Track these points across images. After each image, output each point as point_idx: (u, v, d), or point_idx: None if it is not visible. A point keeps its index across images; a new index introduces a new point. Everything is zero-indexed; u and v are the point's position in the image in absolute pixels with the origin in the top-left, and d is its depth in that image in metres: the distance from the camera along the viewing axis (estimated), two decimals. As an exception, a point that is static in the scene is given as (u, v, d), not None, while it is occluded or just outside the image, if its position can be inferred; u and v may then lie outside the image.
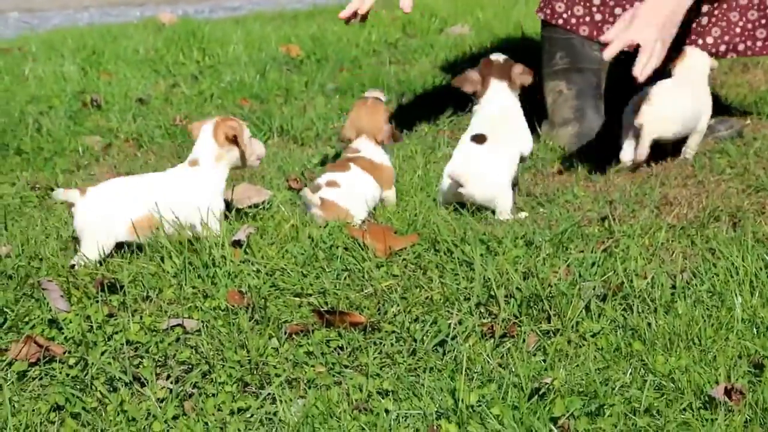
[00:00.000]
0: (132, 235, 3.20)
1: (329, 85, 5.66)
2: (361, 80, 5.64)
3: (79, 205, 3.18)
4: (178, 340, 2.75)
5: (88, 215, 3.17)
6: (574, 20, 4.33)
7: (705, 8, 4.24)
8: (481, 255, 3.12)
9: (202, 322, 2.81)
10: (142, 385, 2.62)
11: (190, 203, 3.28)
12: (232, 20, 8.27)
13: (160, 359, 2.68)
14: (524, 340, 2.73)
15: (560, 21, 4.35)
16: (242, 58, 6.33)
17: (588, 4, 4.31)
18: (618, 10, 4.26)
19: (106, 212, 3.18)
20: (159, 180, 3.36)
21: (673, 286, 2.92)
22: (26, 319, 2.83)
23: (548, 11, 4.39)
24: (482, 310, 2.88)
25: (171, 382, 2.63)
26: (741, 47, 4.23)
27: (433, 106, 5.08)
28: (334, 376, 2.64)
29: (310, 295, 2.99)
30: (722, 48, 4.26)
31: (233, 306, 2.88)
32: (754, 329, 2.67)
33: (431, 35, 6.99)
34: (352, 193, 3.57)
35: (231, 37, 6.97)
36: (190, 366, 2.67)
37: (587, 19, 4.32)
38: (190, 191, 3.32)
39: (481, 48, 6.36)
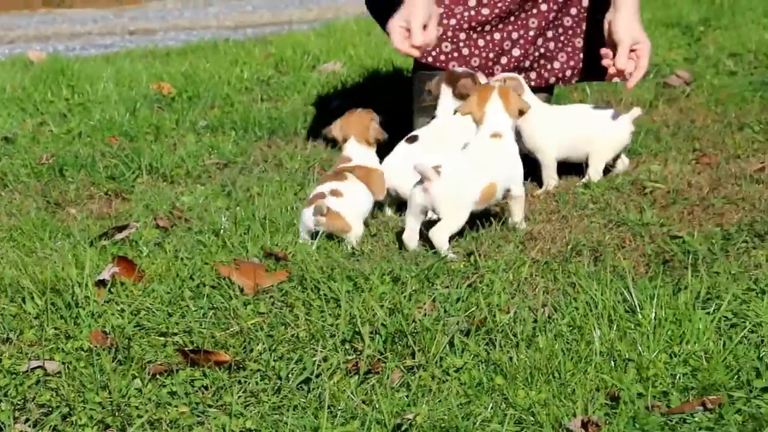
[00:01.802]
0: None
1: (200, 123, 5.63)
2: (232, 118, 5.63)
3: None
4: (38, 382, 2.71)
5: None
6: (443, 57, 4.39)
7: (550, 33, 4.35)
8: (348, 291, 3.14)
9: (64, 363, 2.78)
10: (0, 429, 2.58)
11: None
12: (103, 58, 8.19)
13: (19, 402, 2.65)
14: (388, 376, 2.75)
15: (430, 59, 4.41)
16: (112, 96, 6.27)
17: (455, 40, 4.38)
18: (480, 42, 4.34)
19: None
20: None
21: (535, 321, 2.96)
22: None
23: None
24: (347, 347, 2.90)
25: (30, 426, 2.59)
26: (585, 72, 4.37)
27: (305, 142, 5.10)
28: (197, 416, 2.63)
29: (176, 334, 2.98)
30: (567, 73, 4.39)
31: (96, 347, 2.86)
32: (612, 362, 2.72)
33: (304, 72, 7.01)
34: (352, 205, 3.73)
35: (101, 74, 6.91)
36: (50, 408, 2.63)
37: (455, 54, 4.38)
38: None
39: (353, 84, 6.41)
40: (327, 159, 4.80)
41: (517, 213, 3.79)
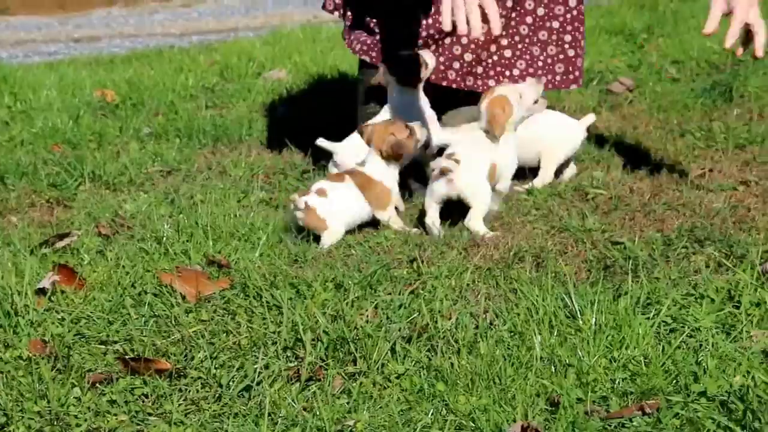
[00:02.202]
0: None
1: (144, 130, 5.61)
2: (176, 125, 5.60)
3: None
4: (-24, 392, 2.69)
5: None
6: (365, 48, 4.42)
7: (505, 42, 4.37)
8: (290, 299, 3.14)
9: (2, 372, 2.76)
10: (-63, 440, 2.56)
11: None
12: (47, 65, 8.14)
13: (-44, 412, 2.62)
14: (330, 383, 2.75)
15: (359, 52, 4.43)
16: (55, 104, 6.23)
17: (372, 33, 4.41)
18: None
19: None
20: None
21: (477, 327, 2.97)
22: None
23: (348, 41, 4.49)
24: (289, 354, 2.89)
25: (-34, 436, 2.57)
26: (543, 81, 4.40)
27: (250, 150, 5.09)
28: (137, 424, 2.62)
29: (116, 342, 2.96)
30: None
31: (35, 355, 2.84)
32: (552, 368, 2.73)
33: (249, 79, 6.99)
34: (334, 206, 3.81)
35: (44, 82, 6.86)
36: (-12, 418, 2.62)
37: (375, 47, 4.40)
38: None
39: (299, 92, 6.40)
40: (271, 167, 4.79)
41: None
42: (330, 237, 3.79)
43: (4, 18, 13.00)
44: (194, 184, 4.57)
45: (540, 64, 4.39)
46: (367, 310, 3.08)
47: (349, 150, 4.22)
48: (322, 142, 4.21)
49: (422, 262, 3.44)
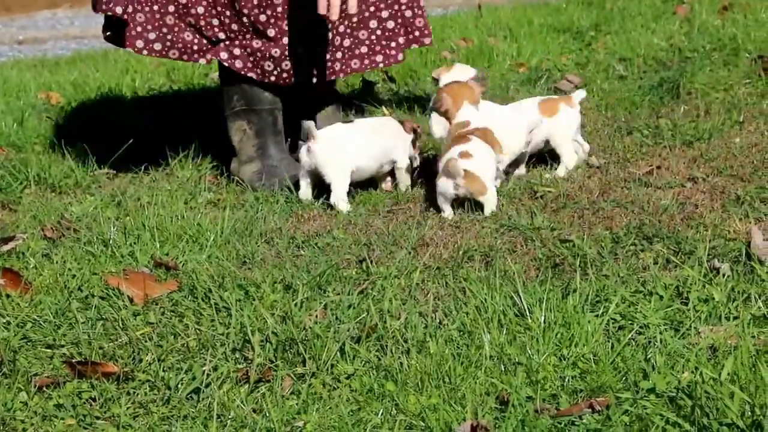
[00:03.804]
0: None
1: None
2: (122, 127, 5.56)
3: None
4: None
5: None
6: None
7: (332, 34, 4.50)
8: (239, 300, 3.12)
9: (-54, 378, 2.73)
10: None
11: None
12: (-10, 68, 8.07)
13: None
14: (279, 385, 2.73)
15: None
16: (-1, 106, 6.18)
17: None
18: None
19: None
20: None
21: (426, 326, 2.96)
22: None
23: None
24: (238, 356, 2.88)
25: None
26: (379, 58, 4.61)
27: (197, 151, 5.05)
28: (84, 428, 2.59)
29: (63, 346, 2.94)
30: (366, 62, 4.64)
31: (-20, 360, 2.81)
32: (502, 366, 2.73)
33: (196, 80, 6.96)
34: (483, 165, 3.94)
35: (-12, 84, 6.81)
36: (-70, 425, 2.58)
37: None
38: None
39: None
40: (218, 167, 4.77)
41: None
42: (492, 199, 3.92)
43: (-53, 20, 12.88)
44: (141, 186, 4.54)
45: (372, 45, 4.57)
46: (316, 311, 3.07)
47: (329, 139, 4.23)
48: (309, 124, 4.18)
49: (371, 262, 3.43)
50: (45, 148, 5.27)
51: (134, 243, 3.68)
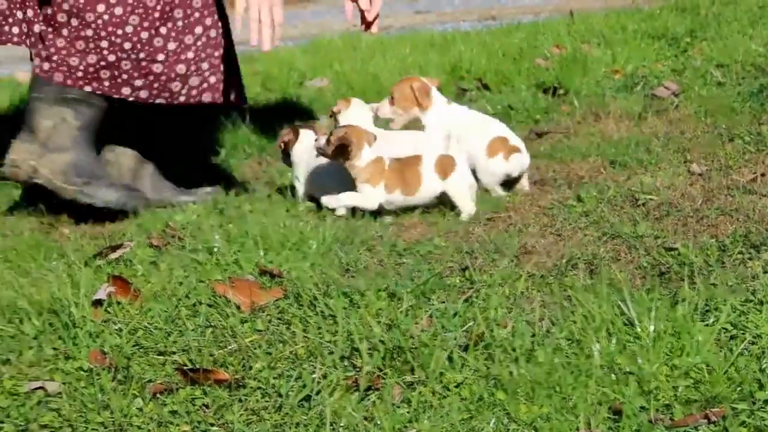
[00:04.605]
0: None
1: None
2: (221, 136, 5.63)
3: None
4: (39, 403, 2.70)
5: None
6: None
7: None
8: (344, 308, 3.14)
9: (64, 383, 2.77)
10: (3, 451, 2.58)
11: None
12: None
13: (21, 423, 2.63)
14: (389, 393, 2.74)
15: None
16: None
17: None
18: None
19: None
20: None
21: (533, 335, 2.96)
22: None
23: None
24: (346, 364, 2.89)
25: (33, 448, 2.59)
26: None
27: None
28: (199, 434, 2.63)
29: (174, 353, 2.97)
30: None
31: (95, 366, 2.85)
32: (612, 376, 2.72)
33: (291, 89, 7.02)
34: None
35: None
36: (53, 429, 2.62)
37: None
38: None
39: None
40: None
41: None
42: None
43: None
44: (242, 194, 4.58)
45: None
46: (421, 319, 3.08)
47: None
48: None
49: (474, 270, 3.43)
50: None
51: (238, 251, 3.71)
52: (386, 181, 4.19)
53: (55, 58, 4.28)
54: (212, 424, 2.66)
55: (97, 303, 3.20)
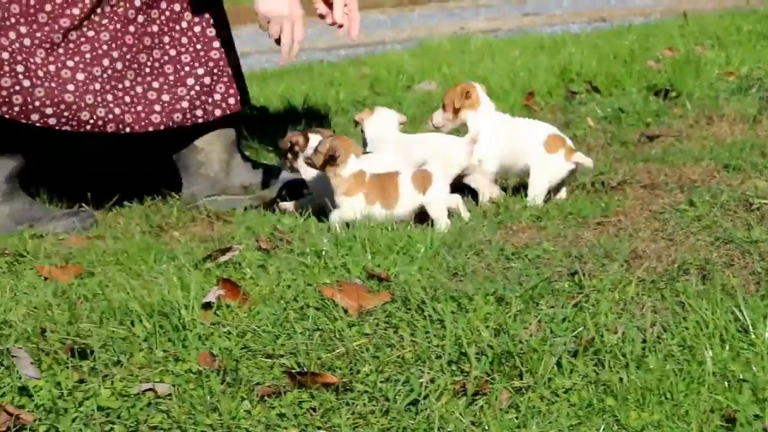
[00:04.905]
0: None
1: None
2: (330, 138, 5.64)
3: None
4: (149, 404, 2.73)
5: None
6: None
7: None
8: (452, 312, 3.13)
9: (174, 385, 2.80)
10: (115, 452, 2.61)
11: None
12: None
13: (131, 425, 2.66)
14: (497, 398, 2.72)
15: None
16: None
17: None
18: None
19: None
20: None
21: (644, 341, 2.92)
22: (-4, 387, 2.82)
23: None
24: (454, 368, 2.88)
25: (143, 448, 2.62)
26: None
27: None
28: (307, 438, 2.64)
29: (282, 356, 2.98)
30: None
31: (204, 369, 2.87)
32: (726, 383, 2.67)
33: (399, 92, 7.03)
34: None
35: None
36: (162, 431, 2.65)
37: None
38: None
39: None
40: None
41: None
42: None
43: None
44: (351, 198, 4.60)
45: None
46: (530, 324, 3.05)
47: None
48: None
49: (584, 275, 3.39)
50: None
51: (346, 254, 3.71)
52: (366, 194, 4.18)
53: None
54: (319, 428, 2.66)
55: (207, 306, 3.22)
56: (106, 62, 4.45)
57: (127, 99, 4.50)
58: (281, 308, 3.24)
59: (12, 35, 4.30)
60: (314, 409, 2.73)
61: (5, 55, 4.29)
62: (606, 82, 6.61)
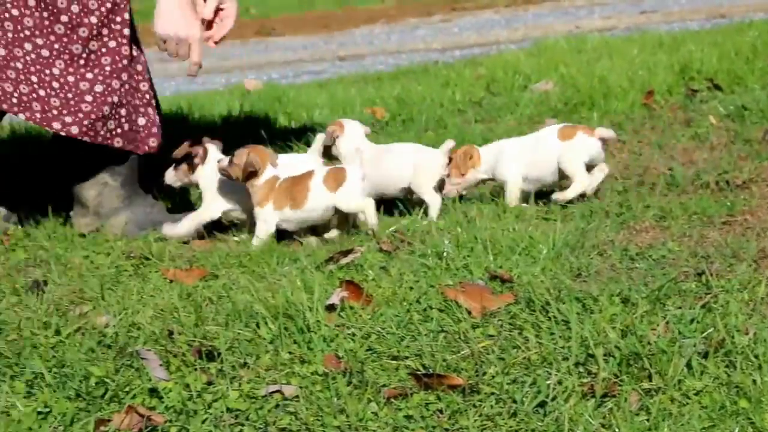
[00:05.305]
0: None
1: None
2: (446, 139, 5.62)
3: None
4: (277, 406, 2.74)
5: None
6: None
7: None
8: (577, 313, 3.09)
9: (301, 387, 2.81)
10: (245, 453, 2.63)
11: None
12: (316, 84, 8.35)
13: (260, 426, 2.68)
14: (626, 400, 2.68)
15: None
16: (328, 122, 6.34)
17: None
18: None
19: None
20: None
21: (777, 342, 2.86)
22: (126, 388, 2.85)
23: None
24: (581, 370, 2.85)
25: (272, 449, 2.63)
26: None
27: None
28: (435, 439, 2.63)
29: (407, 357, 2.98)
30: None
31: (331, 370, 2.88)
32: None
33: (515, 92, 6.98)
34: None
35: (315, 101, 7.02)
36: (291, 432, 2.67)
37: None
38: None
39: (566, 104, 6.35)
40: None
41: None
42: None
43: (273, 39, 13.40)
44: (474, 199, 4.58)
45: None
46: (657, 325, 3.01)
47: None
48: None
49: (711, 275, 3.34)
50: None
51: (468, 255, 3.70)
52: (274, 200, 4.21)
53: None
54: (447, 430, 2.65)
55: (331, 308, 3.23)
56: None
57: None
58: (404, 310, 3.24)
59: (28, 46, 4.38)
60: (441, 411, 2.72)
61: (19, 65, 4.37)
62: (728, 79, 6.50)
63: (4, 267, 4.11)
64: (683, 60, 7.01)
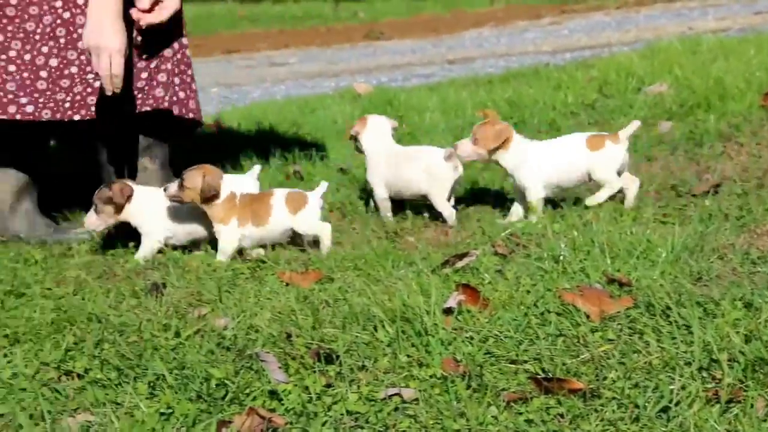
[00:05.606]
0: None
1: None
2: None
3: None
4: (396, 409, 2.74)
5: None
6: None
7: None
8: (699, 318, 3.04)
9: (419, 390, 2.80)
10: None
11: None
12: (427, 87, 8.34)
13: (380, 429, 2.67)
14: (752, 406, 2.63)
15: None
16: (439, 125, 6.35)
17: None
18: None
19: None
20: None
21: None
22: (246, 390, 2.87)
23: None
24: (705, 375, 2.80)
25: (401, 453, 2.63)
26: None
27: (637, 166, 5.00)
28: (558, 444, 2.60)
29: (526, 361, 2.95)
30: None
31: (449, 374, 2.87)
32: None
33: (629, 95, 6.91)
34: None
35: (426, 104, 7.02)
36: (411, 436, 2.66)
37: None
38: None
39: (681, 106, 6.26)
40: (662, 183, 4.69)
41: None
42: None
43: (381, 43, 13.44)
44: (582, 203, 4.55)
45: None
46: (782, 331, 2.95)
47: None
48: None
49: (838, 279, 3.27)
50: (485, 166, 5.37)
51: (584, 259, 3.66)
52: (238, 217, 4.21)
53: None
54: (568, 434, 2.62)
55: (448, 311, 3.22)
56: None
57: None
58: (522, 313, 3.21)
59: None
60: (562, 416, 2.69)
61: None
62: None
63: (123, 270, 4.18)
64: (802, 60, 6.89)
